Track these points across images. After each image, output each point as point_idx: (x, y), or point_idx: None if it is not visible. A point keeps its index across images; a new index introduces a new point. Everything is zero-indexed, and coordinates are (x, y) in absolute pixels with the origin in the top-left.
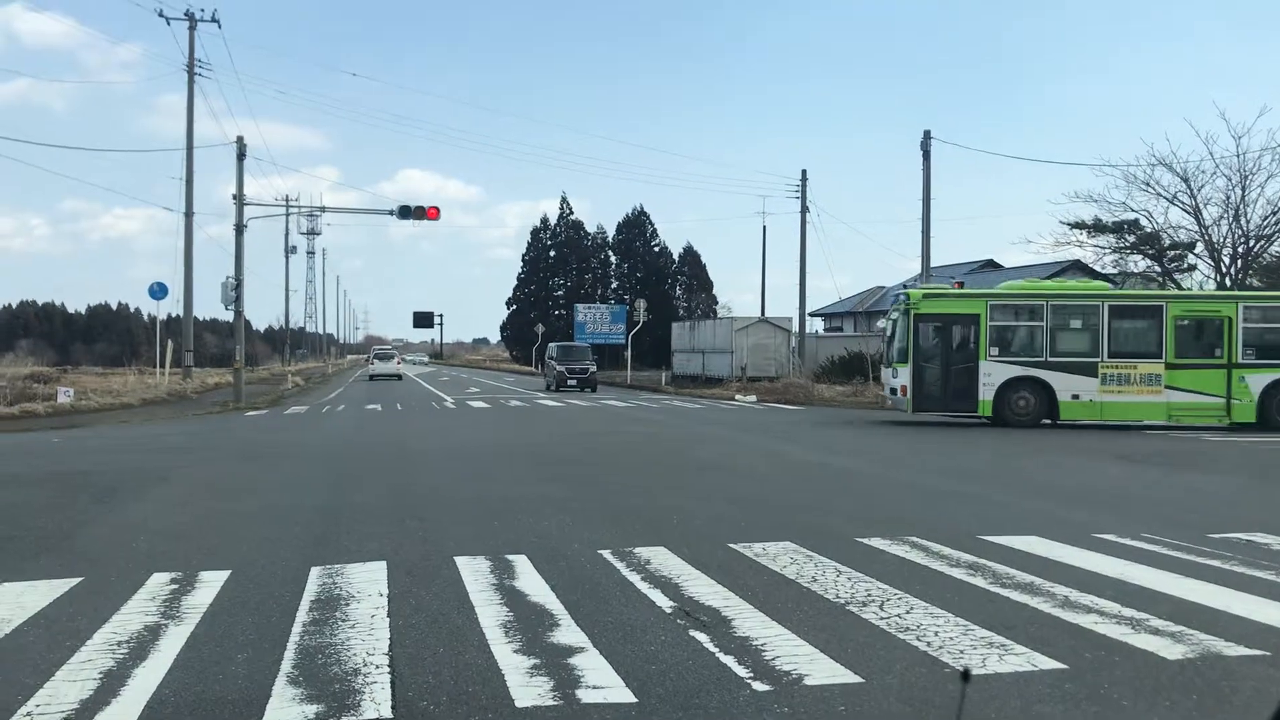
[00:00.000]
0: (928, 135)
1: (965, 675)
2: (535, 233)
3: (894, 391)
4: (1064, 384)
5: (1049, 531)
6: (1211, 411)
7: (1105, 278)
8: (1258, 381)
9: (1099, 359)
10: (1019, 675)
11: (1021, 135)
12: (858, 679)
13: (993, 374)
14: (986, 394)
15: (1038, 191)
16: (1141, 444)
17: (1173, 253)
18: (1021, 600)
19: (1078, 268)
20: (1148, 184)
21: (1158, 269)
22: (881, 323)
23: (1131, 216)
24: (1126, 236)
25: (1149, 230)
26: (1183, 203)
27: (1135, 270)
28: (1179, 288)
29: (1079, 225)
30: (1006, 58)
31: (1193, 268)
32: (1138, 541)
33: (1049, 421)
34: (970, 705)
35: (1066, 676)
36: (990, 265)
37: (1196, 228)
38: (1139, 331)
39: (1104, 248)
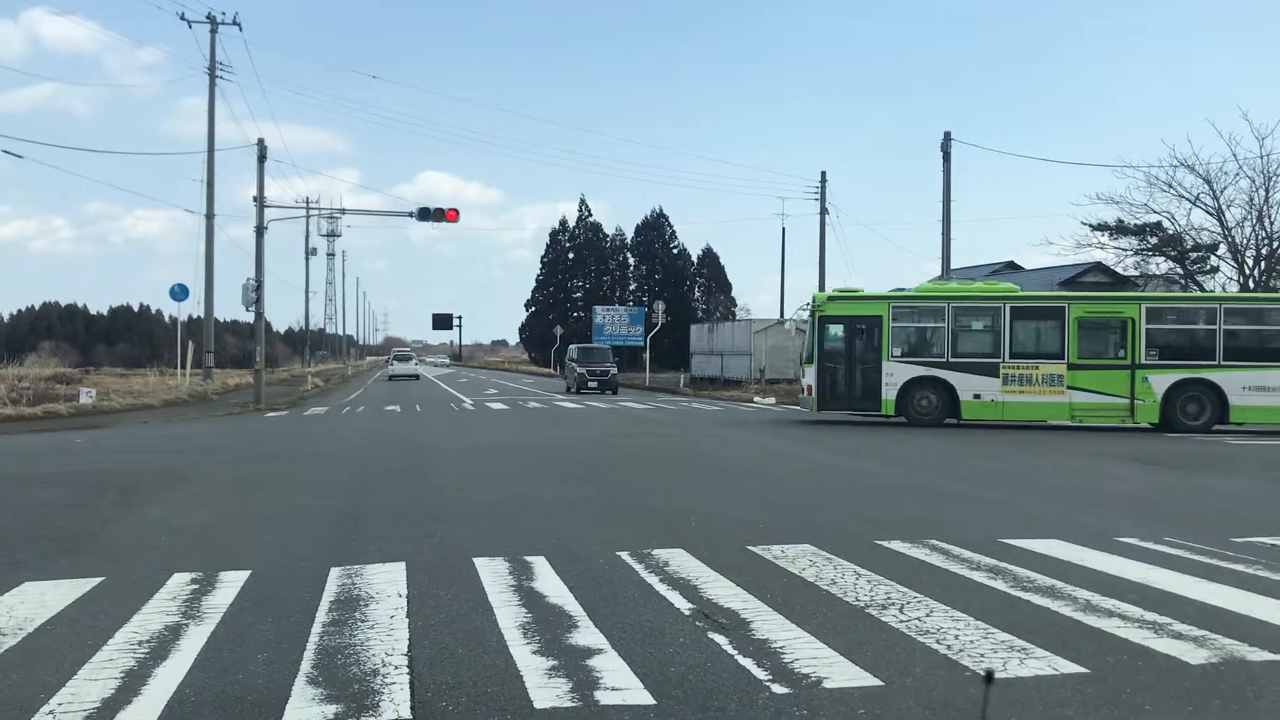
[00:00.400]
0: (948, 136)
1: (989, 677)
2: (554, 235)
3: (805, 390)
4: (966, 384)
5: (1070, 535)
6: (1115, 411)
7: (1127, 280)
8: (1161, 382)
9: (1000, 360)
10: (1040, 679)
11: (1042, 137)
12: (877, 682)
13: (895, 374)
14: (890, 393)
15: (1059, 193)
16: (1161, 447)
17: (1195, 255)
18: (1042, 604)
19: (1099, 269)
20: (1170, 185)
21: (1180, 271)
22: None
23: (1154, 218)
24: (1149, 238)
25: (1171, 232)
26: (1205, 204)
27: (1157, 273)
28: (1201, 289)
29: (1101, 227)
30: (1027, 59)
31: (1215, 270)
32: (1160, 545)
33: (953, 421)
34: (991, 709)
35: (1088, 681)
36: (1011, 267)
37: (1219, 229)
38: (1041, 333)
39: (1125, 250)
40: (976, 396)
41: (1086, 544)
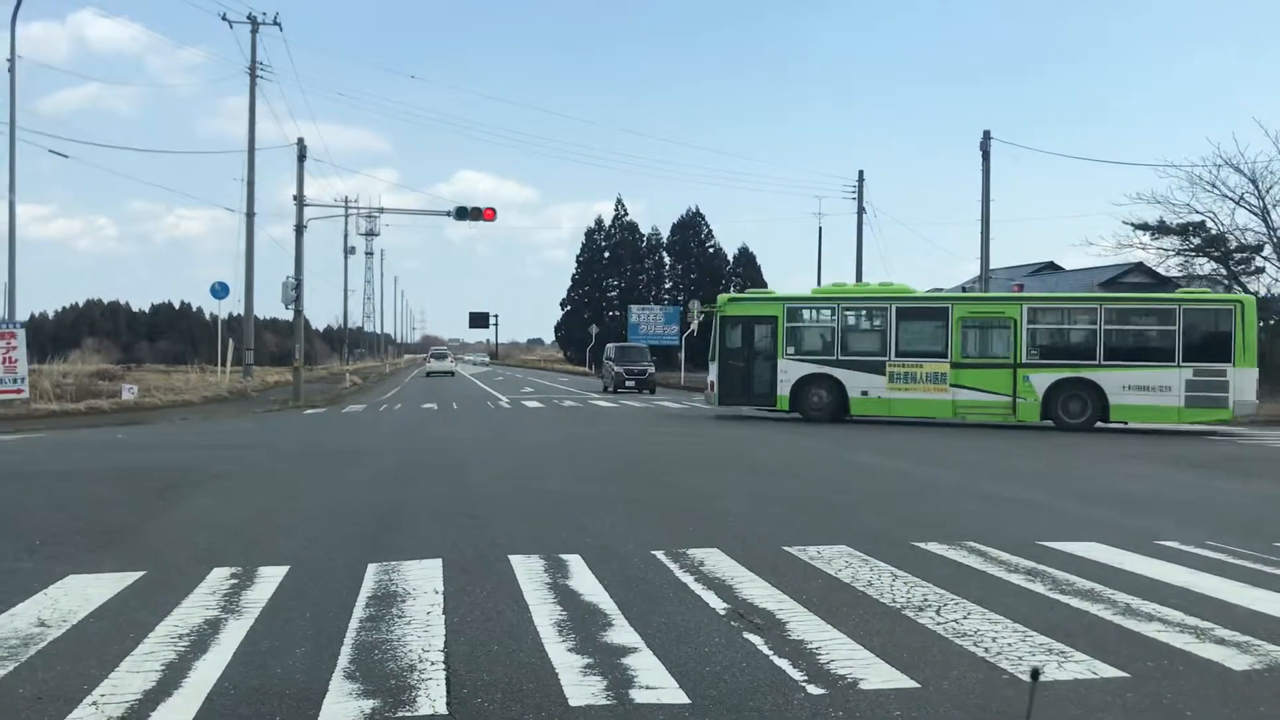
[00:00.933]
0: (987, 135)
1: (1035, 675)
2: (589, 234)
3: (709, 386)
4: (854, 381)
5: (1110, 538)
6: (998, 409)
7: (1169, 280)
8: (1042, 381)
9: (887, 358)
10: (1079, 683)
11: (1084, 136)
12: (914, 684)
13: (789, 371)
14: (784, 390)
15: (1100, 193)
16: (1203, 450)
17: (1239, 255)
18: (1081, 607)
19: (1140, 270)
20: (1213, 185)
21: (1224, 272)
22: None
23: (1197, 218)
24: (1191, 239)
25: (1215, 232)
26: (1250, 204)
27: (1201, 273)
28: (1245, 290)
29: (1142, 226)
30: (1069, 58)
31: (1260, 270)
32: (1202, 549)
33: (845, 417)
34: (1036, 708)
35: (1128, 685)
36: (1051, 267)
37: (1264, 229)
38: (926, 332)
39: (1168, 250)
40: (864, 393)
41: (1127, 547)
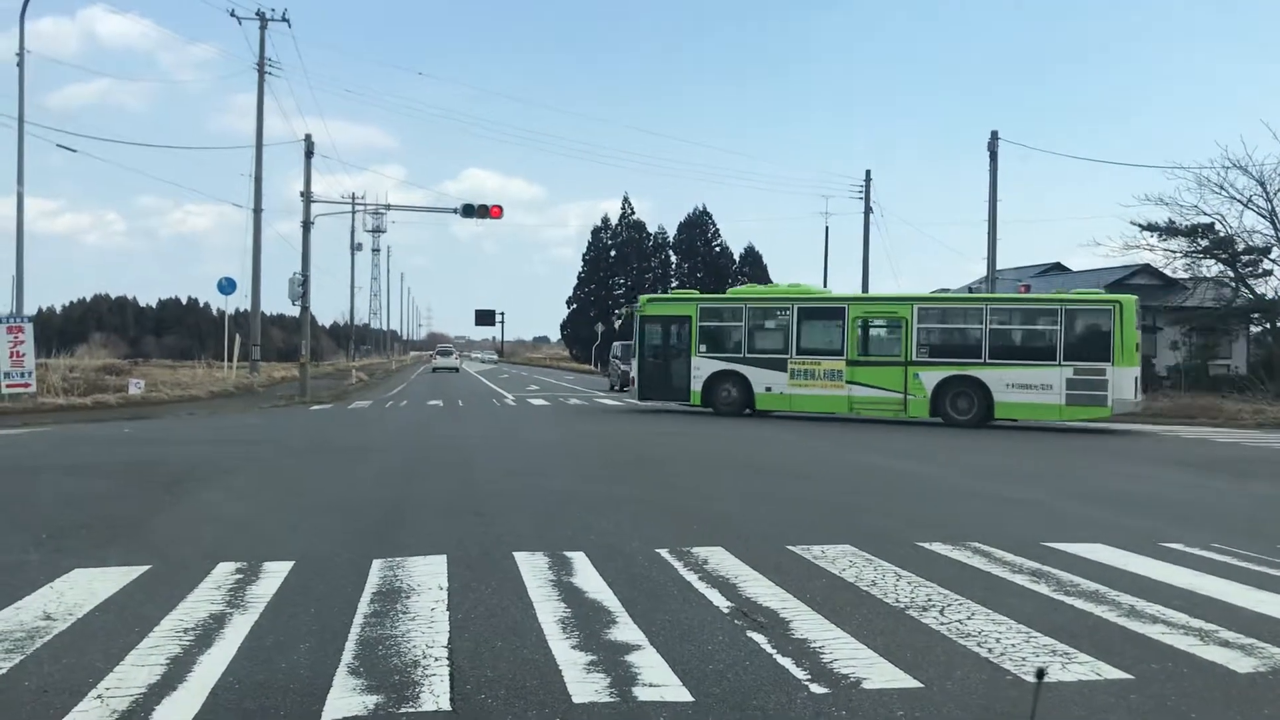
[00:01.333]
0: (995, 136)
1: (1040, 675)
2: (596, 232)
3: (630, 382)
4: (759, 378)
5: (1114, 539)
6: (890, 405)
7: (1175, 282)
8: (931, 378)
9: (788, 356)
10: (1083, 684)
11: (1092, 137)
12: (917, 684)
13: (701, 368)
14: (696, 385)
15: (1107, 194)
16: (1206, 451)
17: (1247, 258)
18: (1086, 608)
19: (1147, 271)
20: (1221, 187)
21: (1231, 274)
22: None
23: (1205, 220)
24: (1199, 240)
25: (1223, 234)
26: (1258, 206)
27: (1208, 275)
28: (1253, 293)
29: (1150, 227)
30: (1077, 58)
31: (1268, 273)
32: (1207, 551)
33: (749, 411)
34: (1041, 708)
35: (1132, 687)
36: (1057, 268)
37: (1272, 232)
38: (824, 331)
39: (1175, 252)
40: (768, 389)
41: (1131, 549)
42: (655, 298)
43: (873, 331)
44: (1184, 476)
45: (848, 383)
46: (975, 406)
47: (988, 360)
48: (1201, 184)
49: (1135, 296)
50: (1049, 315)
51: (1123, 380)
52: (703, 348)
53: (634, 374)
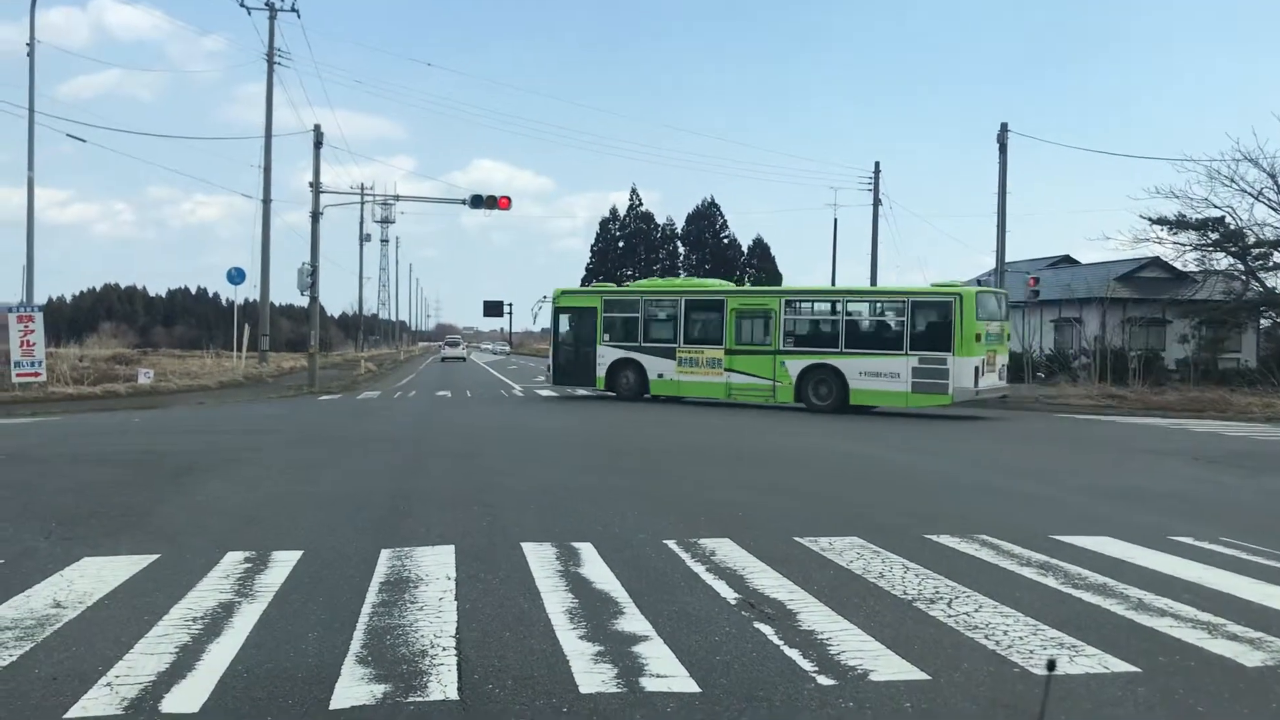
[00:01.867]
0: (1004, 128)
1: (1050, 666)
2: (604, 224)
3: (547, 368)
4: (653, 365)
5: (1122, 532)
6: (762, 391)
7: (1186, 275)
8: (795, 366)
9: (677, 345)
10: (1090, 677)
11: (1102, 130)
12: (925, 676)
13: (605, 356)
14: (601, 372)
15: (1117, 187)
16: (1215, 445)
17: (1257, 251)
18: (1093, 601)
19: (1157, 264)
20: (1232, 179)
21: (1241, 268)
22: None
23: (1215, 213)
24: (1209, 234)
25: (1233, 227)
26: (1269, 199)
27: (1218, 268)
28: (1264, 286)
29: (1159, 221)
30: (1088, 51)
31: (1279, 267)
32: (1215, 545)
33: (646, 396)
34: (1050, 700)
35: (1139, 680)
36: (1067, 261)
37: None
38: (707, 323)
39: (1185, 245)
40: (660, 376)
41: (1140, 542)
42: (568, 290)
43: (747, 323)
44: (1193, 470)
45: (726, 370)
46: (833, 393)
47: (844, 350)
48: (1212, 176)
49: (976, 289)
50: (897, 308)
51: (963, 369)
52: (606, 337)
53: (549, 361)
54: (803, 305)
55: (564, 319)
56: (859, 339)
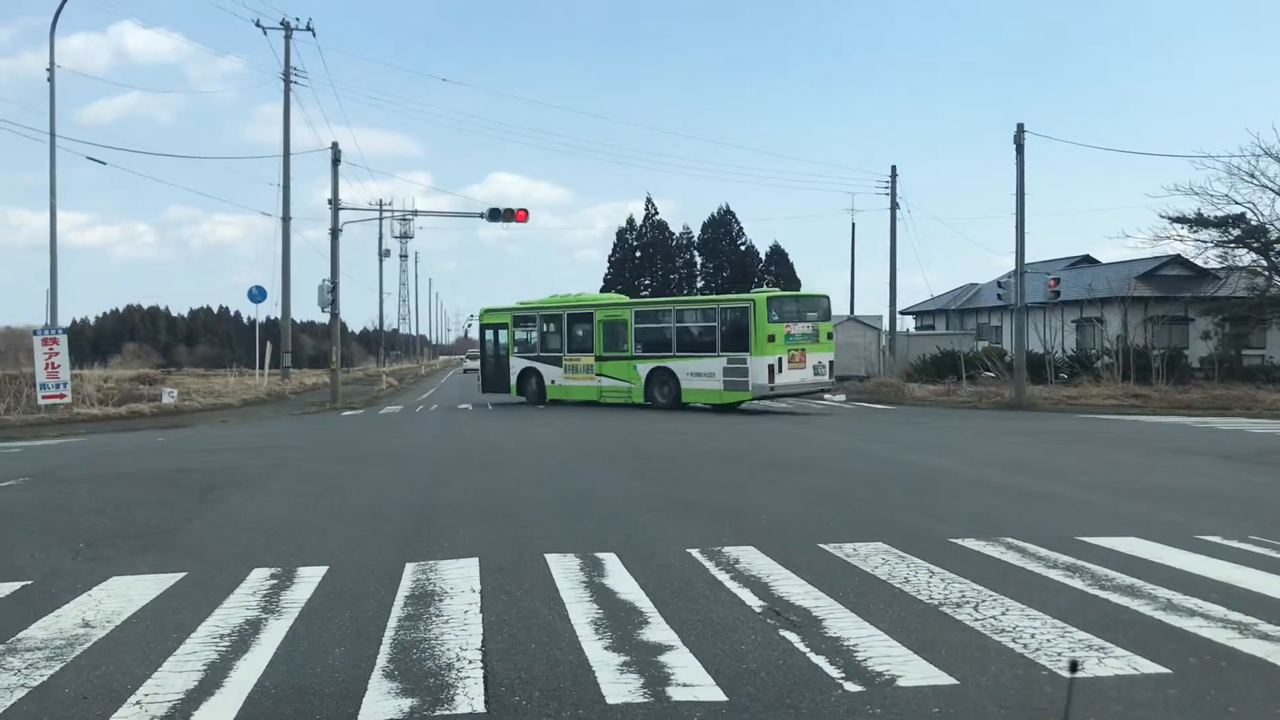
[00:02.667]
0: (1021, 129)
1: (1074, 667)
2: (621, 234)
3: (478, 377)
4: (548, 373)
5: (1149, 533)
6: (624, 392)
7: (1208, 273)
8: (643, 369)
9: (563, 354)
10: (1120, 678)
11: (1120, 128)
12: (952, 681)
13: (515, 366)
14: (513, 380)
15: (1136, 185)
16: (1242, 442)
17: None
18: (1122, 602)
19: (1178, 262)
20: (1252, 175)
21: (1264, 264)
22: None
23: (1236, 210)
24: (1230, 231)
25: (1255, 224)
26: None
27: (1240, 265)
28: None
29: (1179, 220)
30: (1104, 50)
31: None
32: (1245, 544)
33: (546, 402)
34: (1075, 702)
35: (1169, 681)
36: (1087, 260)
37: None
38: (584, 333)
39: (1206, 242)
40: (553, 382)
41: (1167, 542)
42: (489, 309)
43: (610, 333)
44: (1220, 469)
45: (597, 375)
46: (672, 392)
47: (676, 353)
48: (1232, 172)
49: (767, 294)
50: (711, 314)
51: (758, 367)
52: (515, 349)
53: (478, 372)
54: (647, 315)
55: (487, 334)
56: (687, 344)
